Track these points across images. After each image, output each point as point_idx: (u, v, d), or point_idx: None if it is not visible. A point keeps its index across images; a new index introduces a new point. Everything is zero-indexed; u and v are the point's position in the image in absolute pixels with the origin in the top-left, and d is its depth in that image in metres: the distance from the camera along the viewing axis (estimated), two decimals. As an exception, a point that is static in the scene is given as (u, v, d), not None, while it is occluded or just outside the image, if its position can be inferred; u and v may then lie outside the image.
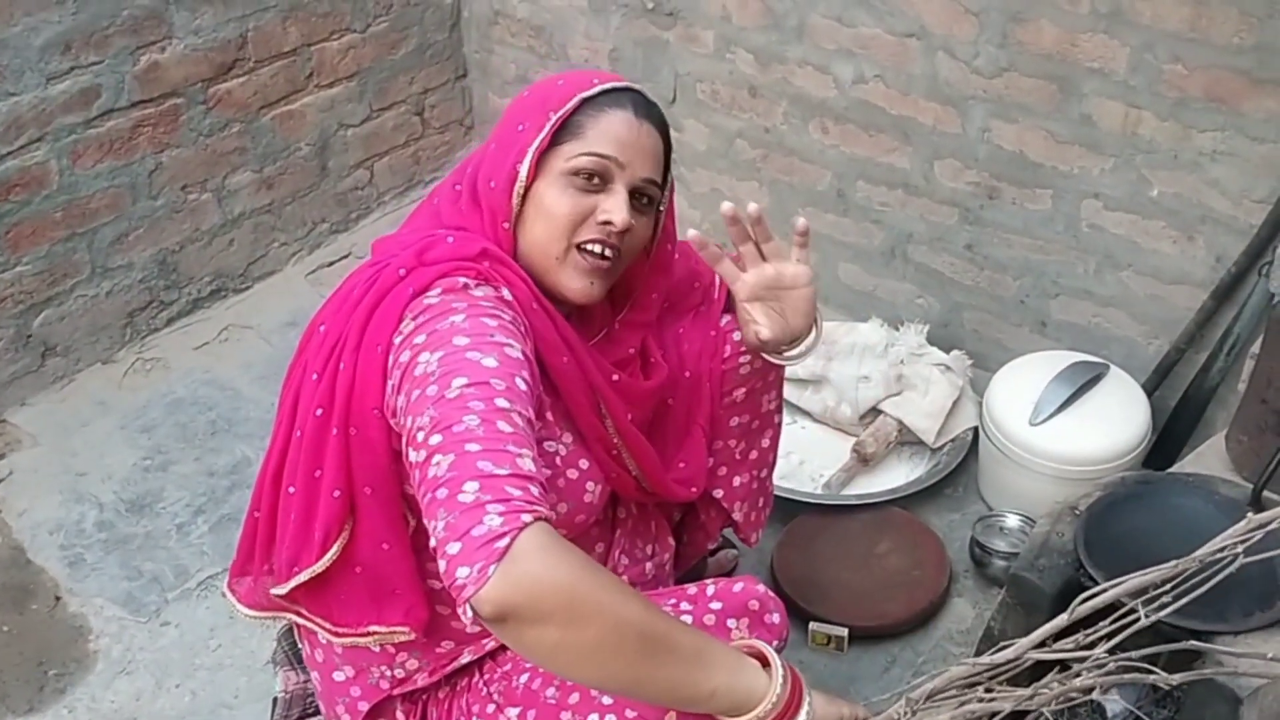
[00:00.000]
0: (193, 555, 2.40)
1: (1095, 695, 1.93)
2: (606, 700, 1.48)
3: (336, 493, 1.42)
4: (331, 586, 1.50)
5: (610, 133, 1.46)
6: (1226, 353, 2.35)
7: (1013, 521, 2.34)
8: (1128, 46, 2.31)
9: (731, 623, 1.56)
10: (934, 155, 2.64)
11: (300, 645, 1.73)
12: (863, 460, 2.51)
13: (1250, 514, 1.54)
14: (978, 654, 1.99)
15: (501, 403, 1.26)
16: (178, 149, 2.82)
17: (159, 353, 2.90)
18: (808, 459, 2.56)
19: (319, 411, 1.42)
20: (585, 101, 1.47)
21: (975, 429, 2.53)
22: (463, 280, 1.39)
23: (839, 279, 2.93)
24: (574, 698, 1.51)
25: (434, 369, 1.29)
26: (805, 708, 1.30)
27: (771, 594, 1.63)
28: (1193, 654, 1.75)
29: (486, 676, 1.60)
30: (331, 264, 3.21)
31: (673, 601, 1.57)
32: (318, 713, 1.85)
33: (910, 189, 2.71)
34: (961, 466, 2.51)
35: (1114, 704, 1.94)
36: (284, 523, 1.49)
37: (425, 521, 1.23)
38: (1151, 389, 2.47)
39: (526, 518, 1.18)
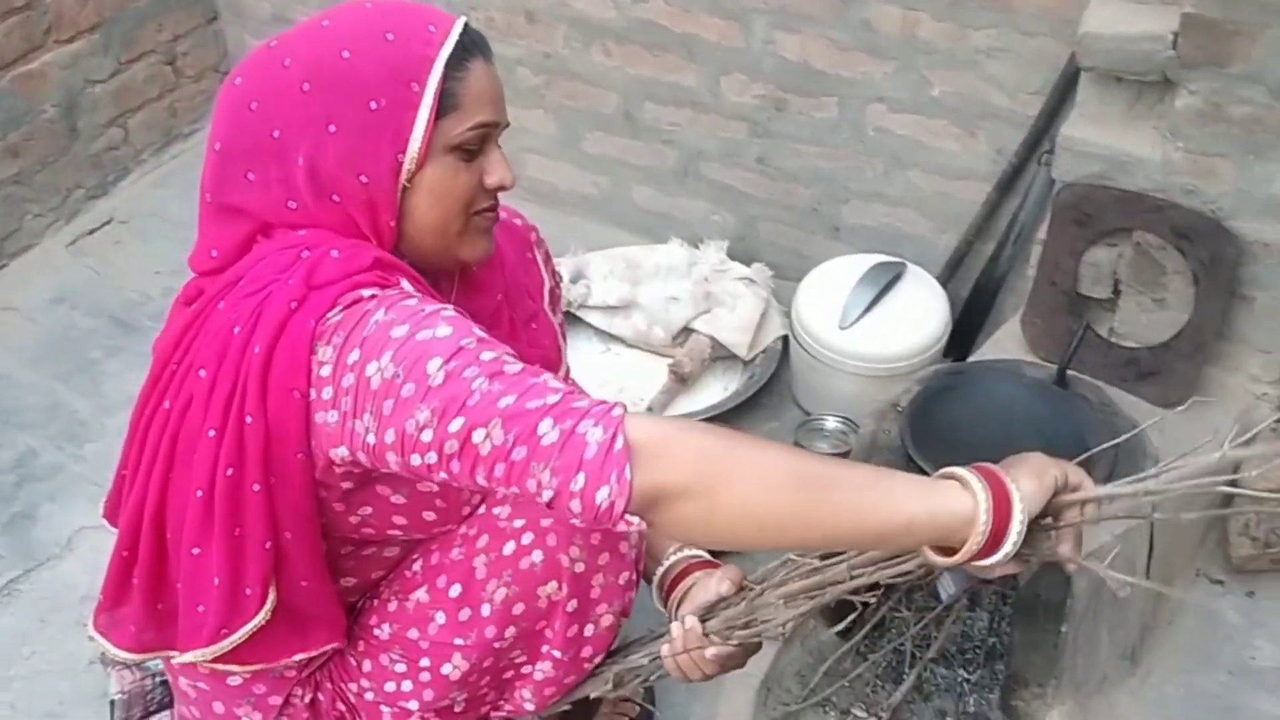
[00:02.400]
0: (-13, 560, 2.23)
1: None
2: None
3: (268, 544, 1.33)
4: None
5: (481, 95, 1.35)
6: (1013, 241, 2.46)
7: (831, 424, 2.41)
8: (899, -50, 2.36)
9: None
10: (720, 71, 2.65)
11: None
12: (681, 380, 2.53)
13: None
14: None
15: (487, 355, 1.21)
16: (-92, 122, 2.57)
17: (-85, 347, 2.67)
18: (626, 385, 2.56)
19: (229, 471, 1.29)
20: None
21: (784, 338, 2.58)
22: (367, 292, 1.28)
23: (633, 202, 2.92)
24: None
25: (394, 370, 1.21)
26: (1016, 514, 1.16)
27: None
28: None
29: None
30: (92, 232, 3.01)
31: None
32: (160, 709, 1.76)
33: (698, 106, 2.72)
34: (774, 376, 2.56)
35: (946, 587, 2.04)
36: (194, 584, 1.36)
37: (509, 489, 1.20)
38: (944, 282, 2.57)
39: (617, 412, 1.18)
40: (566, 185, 2.96)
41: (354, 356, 1.24)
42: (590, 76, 2.80)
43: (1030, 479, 1.19)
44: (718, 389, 2.57)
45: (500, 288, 1.56)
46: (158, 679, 1.78)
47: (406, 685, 1.50)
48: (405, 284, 1.33)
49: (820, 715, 1.89)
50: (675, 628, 1.45)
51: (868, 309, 2.40)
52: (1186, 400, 2.12)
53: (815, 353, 2.41)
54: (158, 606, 1.42)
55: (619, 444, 1.15)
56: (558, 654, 1.50)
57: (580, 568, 1.47)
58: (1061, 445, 1.93)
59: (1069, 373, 2.05)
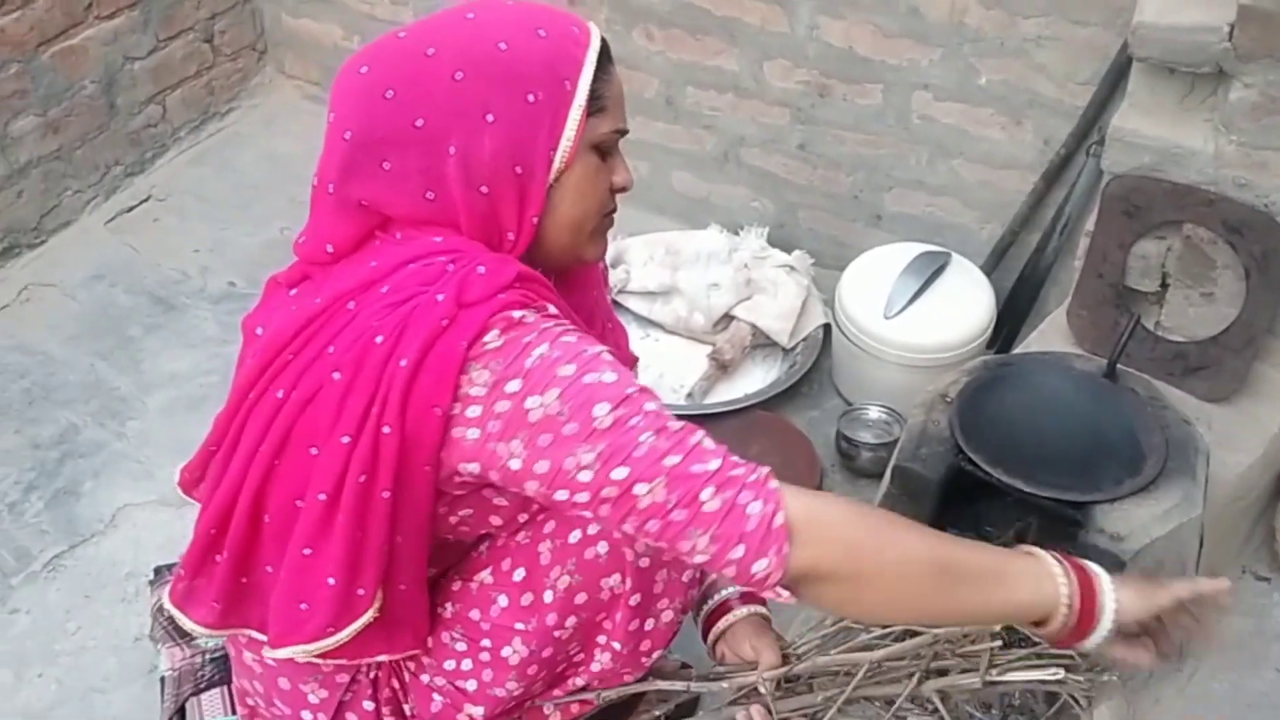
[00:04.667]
0: (32, 536, 2.22)
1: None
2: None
3: (386, 547, 1.34)
4: None
5: (620, 99, 1.38)
6: (1059, 232, 2.44)
7: (874, 413, 2.40)
8: (950, -64, 2.34)
9: None
10: (763, 56, 2.64)
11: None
12: (721, 367, 2.53)
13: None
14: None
15: (650, 405, 1.24)
16: (-49, 97, 2.57)
17: (-44, 322, 2.67)
18: (666, 371, 2.55)
19: (362, 478, 1.29)
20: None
21: (825, 326, 2.57)
22: (518, 314, 1.28)
23: (673, 187, 2.91)
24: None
25: (559, 409, 1.22)
26: (1109, 607, 1.29)
27: None
28: (1074, 525, 1.84)
29: None
30: (131, 209, 3.00)
31: None
32: (211, 686, 1.77)
33: (740, 91, 2.70)
34: (815, 364, 2.55)
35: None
36: (300, 582, 1.35)
37: (656, 544, 1.25)
38: (988, 272, 2.55)
39: (773, 485, 1.23)
40: (605, 169, 2.95)
41: (514, 386, 1.24)
42: (632, 60, 2.78)
43: (1135, 594, 1.32)
44: (758, 377, 2.56)
45: (596, 284, 1.57)
46: (208, 656, 1.79)
47: (466, 664, 1.50)
48: (550, 307, 1.33)
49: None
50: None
51: (913, 299, 2.38)
52: (1235, 395, 2.11)
53: (859, 342, 2.40)
54: (240, 582, 1.41)
55: (779, 520, 1.22)
56: (617, 645, 1.50)
57: (645, 562, 1.47)
58: (1112, 438, 1.94)
59: (1121, 367, 2.03)
